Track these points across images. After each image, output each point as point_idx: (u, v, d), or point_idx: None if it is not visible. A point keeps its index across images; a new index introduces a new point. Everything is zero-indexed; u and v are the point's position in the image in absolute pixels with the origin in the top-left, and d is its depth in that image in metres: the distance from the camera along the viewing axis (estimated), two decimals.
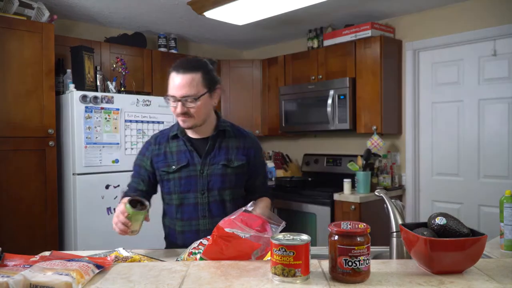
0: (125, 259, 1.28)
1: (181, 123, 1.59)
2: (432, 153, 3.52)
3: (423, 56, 3.55)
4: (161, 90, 3.84)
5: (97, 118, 3.12)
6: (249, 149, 1.68)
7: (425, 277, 0.98)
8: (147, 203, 1.39)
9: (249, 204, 1.19)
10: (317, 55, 3.85)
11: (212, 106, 1.62)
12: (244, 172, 1.67)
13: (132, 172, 1.75)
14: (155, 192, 1.75)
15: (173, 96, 1.53)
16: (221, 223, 1.13)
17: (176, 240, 1.67)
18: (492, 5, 3.12)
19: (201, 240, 1.26)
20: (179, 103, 1.52)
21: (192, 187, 1.62)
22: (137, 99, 3.34)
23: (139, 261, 1.29)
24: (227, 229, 1.10)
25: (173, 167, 1.63)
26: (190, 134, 1.66)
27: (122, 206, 1.37)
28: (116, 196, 3.21)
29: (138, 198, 1.40)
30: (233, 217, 1.14)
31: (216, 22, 3.63)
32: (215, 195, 1.62)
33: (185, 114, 1.53)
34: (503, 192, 1.41)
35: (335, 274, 0.96)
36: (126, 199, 1.40)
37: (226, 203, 1.64)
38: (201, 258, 1.16)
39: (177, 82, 1.51)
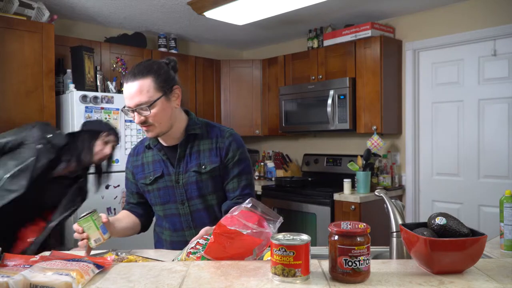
0: (121, 260, 1.28)
1: (146, 133, 1.51)
2: (432, 153, 3.52)
3: (423, 56, 3.55)
4: None
5: (97, 118, 3.12)
6: (222, 149, 1.55)
7: (425, 277, 0.98)
8: (92, 210, 1.37)
9: (246, 201, 1.19)
10: (317, 55, 3.85)
11: (173, 109, 1.50)
12: (220, 174, 1.56)
13: None
14: (145, 202, 1.69)
15: (128, 107, 1.45)
16: (222, 220, 1.13)
17: (163, 248, 1.63)
18: (492, 5, 3.12)
19: (198, 240, 1.26)
20: (136, 113, 1.44)
21: (171, 198, 1.57)
22: None
23: (136, 261, 1.29)
24: (229, 227, 1.10)
25: (150, 178, 1.58)
26: (162, 142, 1.59)
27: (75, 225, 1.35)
28: (116, 196, 3.21)
29: (90, 211, 1.37)
30: (235, 213, 1.14)
31: (216, 22, 3.63)
32: (197, 203, 1.55)
33: (145, 123, 1.45)
34: (503, 192, 1.41)
35: (335, 274, 0.96)
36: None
37: (214, 208, 1.57)
38: (203, 257, 1.16)
39: (128, 91, 1.44)
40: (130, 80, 1.44)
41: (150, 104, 1.42)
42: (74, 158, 1.98)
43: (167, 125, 1.49)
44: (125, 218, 1.61)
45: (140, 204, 1.67)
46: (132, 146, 3.26)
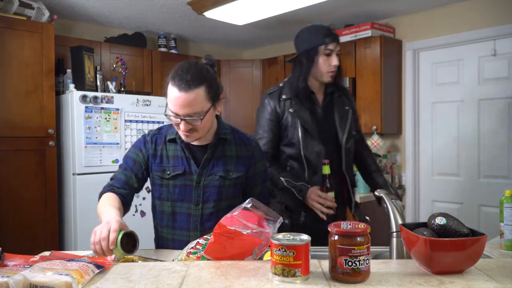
0: (117, 259, 1.28)
1: (183, 137, 1.47)
2: (432, 153, 3.52)
3: (423, 56, 3.55)
4: (161, 90, 3.85)
5: (97, 118, 3.12)
6: (250, 158, 1.57)
7: (425, 277, 0.98)
8: (137, 244, 1.24)
9: (246, 201, 1.19)
10: None
11: (215, 115, 1.50)
12: (243, 182, 1.57)
13: (121, 163, 1.61)
14: (140, 191, 1.60)
15: (176, 114, 1.39)
16: (222, 220, 1.13)
17: (165, 246, 1.61)
18: (492, 5, 3.12)
19: (198, 240, 1.26)
20: (183, 122, 1.39)
21: (186, 197, 1.53)
22: (137, 99, 3.34)
23: (133, 261, 1.29)
24: (229, 227, 1.10)
25: (168, 172, 1.53)
26: None
27: (113, 236, 1.20)
28: None
29: (132, 232, 1.24)
30: (235, 213, 1.14)
31: (216, 22, 3.63)
32: (210, 207, 1.53)
33: (190, 130, 1.42)
34: (503, 192, 1.41)
35: (335, 274, 0.96)
36: (118, 231, 1.22)
37: (224, 213, 1.56)
38: (203, 257, 1.16)
39: (180, 100, 1.37)
40: (184, 88, 1.36)
41: (202, 116, 1.39)
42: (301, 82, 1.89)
43: (207, 131, 1.49)
44: (121, 208, 1.47)
45: (137, 190, 1.58)
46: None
